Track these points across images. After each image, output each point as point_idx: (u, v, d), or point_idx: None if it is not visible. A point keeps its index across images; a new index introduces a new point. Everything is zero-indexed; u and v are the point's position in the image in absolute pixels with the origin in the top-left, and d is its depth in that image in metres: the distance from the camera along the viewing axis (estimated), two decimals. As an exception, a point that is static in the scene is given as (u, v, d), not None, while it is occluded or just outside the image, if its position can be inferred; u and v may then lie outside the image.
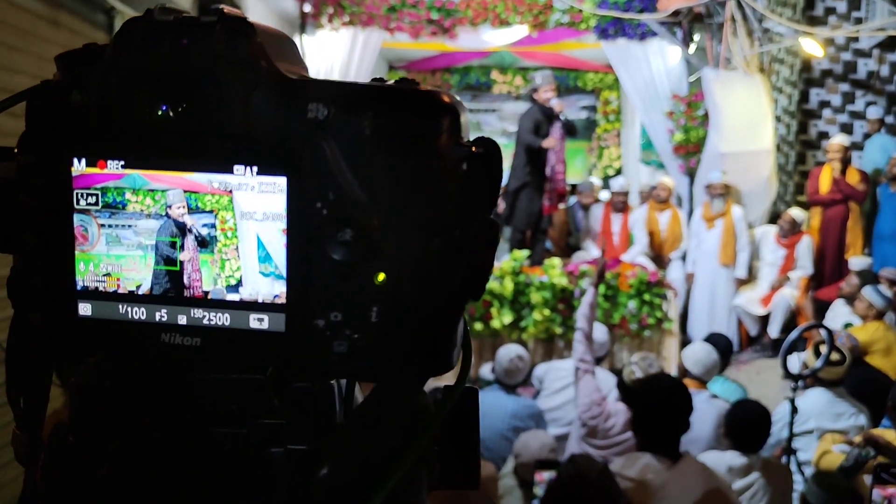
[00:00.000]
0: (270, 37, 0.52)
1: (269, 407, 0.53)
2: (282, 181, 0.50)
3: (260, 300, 0.52)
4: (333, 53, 8.08)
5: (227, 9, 0.51)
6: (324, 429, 0.54)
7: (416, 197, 0.50)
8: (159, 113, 0.50)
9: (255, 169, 0.50)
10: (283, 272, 0.51)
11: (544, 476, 3.16)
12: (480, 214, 0.51)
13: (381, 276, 0.51)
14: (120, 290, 0.53)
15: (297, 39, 8.03)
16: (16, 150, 0.53)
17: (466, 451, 0.58)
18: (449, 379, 0.57)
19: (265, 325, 0.52)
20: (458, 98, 0.53)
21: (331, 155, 0.50)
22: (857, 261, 6.87)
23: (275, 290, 0.51)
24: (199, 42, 0.50)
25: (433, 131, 0.50)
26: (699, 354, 4.62)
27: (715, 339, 5.16)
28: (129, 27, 0.51)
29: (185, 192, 0.51)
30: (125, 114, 0.51)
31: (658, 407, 3.12)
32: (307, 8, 7.95)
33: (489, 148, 0.52)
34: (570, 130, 7.13)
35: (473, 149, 0.51)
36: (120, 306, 0.53)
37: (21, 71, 4.06)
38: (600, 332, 5.15)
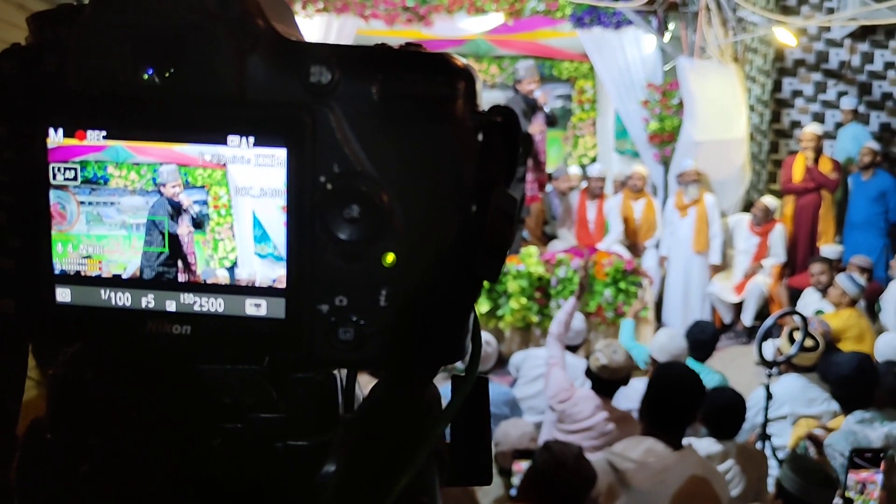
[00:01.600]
0: None
1: (267, 400, 0.49)
2: (281, 153, 0.46)
3: (257, 284, 0.47)
4: (307, 40, 7.98)
5: None
6: (327, 423, 0.50)
7: (430, 169, 0.46)
8: (144, 77, 0.45)
9: (251, 140, 0.46)
10: (283, 253, 0.47)
11: (522, 466, 3.16)
12: (498, 188, 0.47)
13: (391, 257, 0.46)
14: (102, 274, 0.48)
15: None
16: None
17: (479, 445, 0.55)
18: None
19: (263, 312, 0.47)
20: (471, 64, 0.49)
21: (335, 123, 0.45)
22: (828, 249, 6.95)
23: (273, 272, 0.47)
24: None
25: (448, 96, 0.46)
26: (662, 341, 4.68)
27: (702, 326, 5.18)
28: None
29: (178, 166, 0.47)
30: (106, 79, 0.46)
31: (670, 395, 3.14)
32: (280, -7, 7.83)
33: (508, 117, 0.48)
34: (552, 121, 7.12)
35: (492, 118, 0.47)
36: (102, 292, 0.48)
37: (-15, 55, 3.95)
38: (577, 320, 5.18)
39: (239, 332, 0.47)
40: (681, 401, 3.15)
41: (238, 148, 0.46)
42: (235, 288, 0.47)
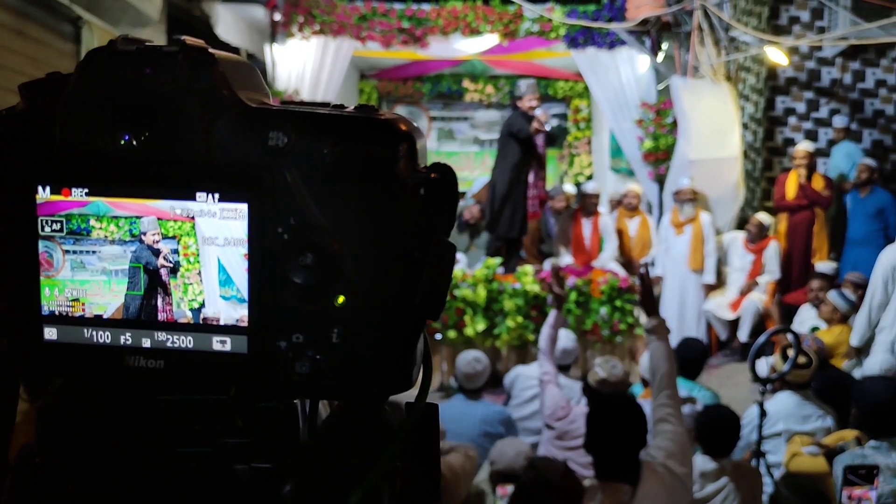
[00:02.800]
0: (232, 66, 0.54)
1: (233, 427, 0.54)
2: (243, 207, 0.52)
3: (222, 323, 0.53)
4: (304, 62, 8.08)
5: (189, 39, 0.52)
6: (288, 447, 0.56)
7: (376, 221, 0.52)
8: (122, 142, 0.51)
9: (216, 196, 0.52)
10: (245, 296, 0.52)
11: (507, 490, 3.14)
12: (438, 237, 0.53)
13: (342, 299, 0.52)
14: (85, 315, 0.54)
15: (266, 48, 8.03)
16: None
17: (428, 467, 0.60)
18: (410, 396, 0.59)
19: (228, 347, 0.53)
20: (415, 125, 0.55)
21: (292, 181, 0.51)
22: (823, 265, 6.98)
23: (236, 313, 0.53)
24: (162, 71, 0.51)
25: (392, 158, 0.52)
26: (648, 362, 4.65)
27: (690, 344, 5.19)
28: (92, 57, 0.52)
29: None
30: (89, 143, 0.52)
31: (611, 431, 2.85)
32: (277, 17, 7.94)
33: (446, 174, 0.54)
34: (550, 140, 7.20)
35: (431, 174, 0.53)
36: (85, 330, 0.54)
37: (-14, 81, 4.01)
38: (567, 339, 5.20)
39: (207, 365, 0.53)
40: (625, 435, 2.83)
41: (205, 203, 0.52)
42: (203, 326, 0.53)
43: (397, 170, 0.52)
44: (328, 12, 8.02)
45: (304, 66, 8.08)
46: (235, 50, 7.99)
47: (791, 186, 7.52)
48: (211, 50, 0.53)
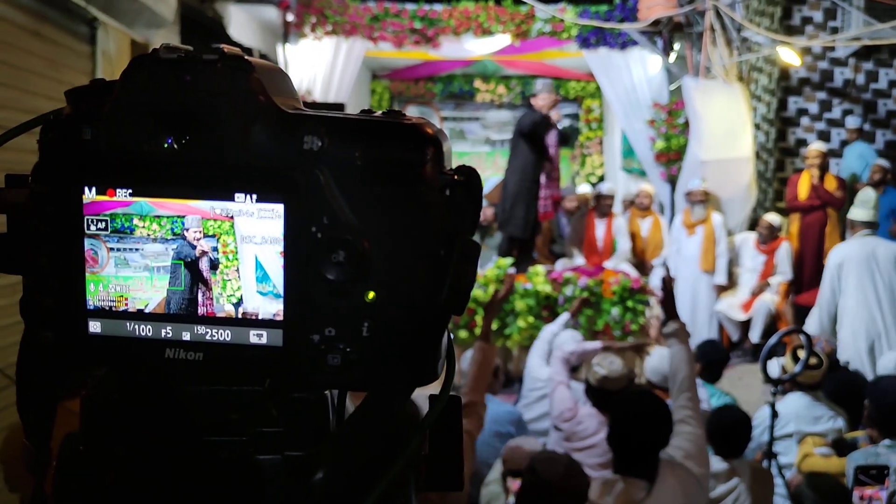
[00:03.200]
0: (267, 72, 0.57)
1: (268, 416, 0.57)
2: (279, 207, 0.54)
3: (259, 317, 0.56)
4: (316, 63, 8.12)
5: (227, 48, 0.55)
6: (319, 436, 0.58)
7: (404, 221, 0.55)
8: (164, 146, 0.54)
9: (254, 196, 0.54)
10: (281, 291, 0.55)
11: (517, 484, 3.18)
12: (462, 236, 0.56)
13: (372, 294, 0.55)
14: (128, 309, 0.57)
15: (279, 48, 8.08)
16: (30, 180, 0.57)
17: (451, 456, 0.63)
18: (435, 388, 0.61)
19: (264, 341, 0.56)
20: (440, 128, 0.58)
21: (325, 183, 0.54)
22: None
23: (272, 308, 0.55)
24: (201, 78, 0.54)
25: (419, 161, 0.55)
26: (654, 363, 4.65)
27: (711, 347, 5.15)
28: (136, 64, 0.55)
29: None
30: (132, 146, 0.55)
31: (634, 426, 2.89)
32: (290, 17, 7.99)
33: (470, 176, 0.56)
34: (564, 139, 7.22)
35: (455, 177, 0.56)
36: (127, 324, 0.57)
37: (2, 83, 4.05)
38: (574, 340, 5.22)
39: (243, 358, 0.56)
40: (647, 430, 2.88)
41: (243, 203, 0.55)
42: (240, 321, 0.56)
43: (424, 172, 0.55)
44: (340, 13, 8.06)
45: (317, 67, 8.12)
46: (248, 51, 8.05)
47: (803, 187, 7.51)
48: (248, 58, 0.55)
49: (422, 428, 0.58)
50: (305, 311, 0.55)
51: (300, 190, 0.54)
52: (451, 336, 0.62)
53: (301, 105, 0.60)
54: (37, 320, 0.58)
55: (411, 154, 0.55)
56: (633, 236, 7.80)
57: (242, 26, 7.58)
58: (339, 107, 7.63)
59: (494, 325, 6.65)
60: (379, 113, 0.58)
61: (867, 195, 5.76)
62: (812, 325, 5.65)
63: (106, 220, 0.56)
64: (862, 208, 5.74)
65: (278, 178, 0.54)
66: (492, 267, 6.88)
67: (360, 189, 0.54)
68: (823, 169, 7.50)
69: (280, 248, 0.55)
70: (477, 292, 6.63)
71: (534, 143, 6.88)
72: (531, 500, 2.66)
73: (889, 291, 5.43)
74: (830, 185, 7.48)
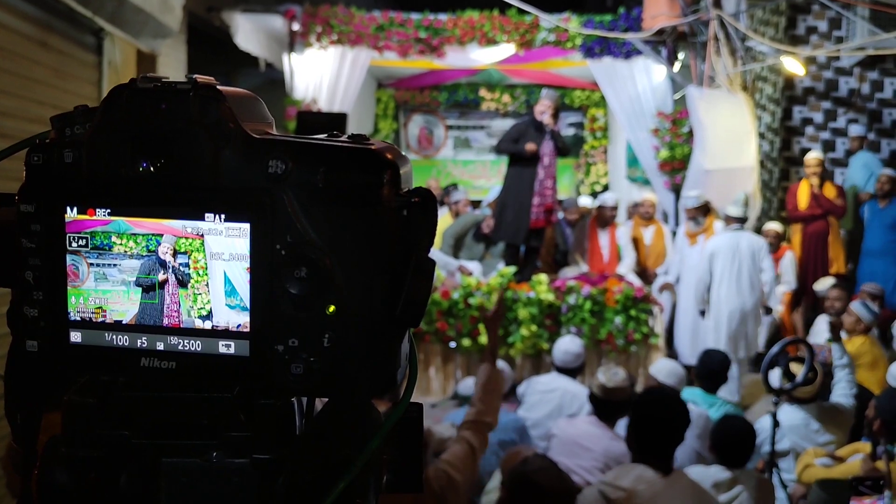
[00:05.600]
0: (238, 99, 0.61)
1: (236, 422, 0.61)
2: (246, 227, 0.58)
3: (227, 329, 0.60)
4: (322, 72, 8.19)
5: (200, 78, 0.59)
6: (285, 440, 0.62)
7: (363, 239, 0.59)
8: (140, 169, 0.59)
9: (223, 216, 0.58)
10: (248, 304, 0.59)
11: None
12: (418, 254, 0.60)
13: (332, 308, 0.59)
14: (107, 320, 0.61)
15: (285, 57, 8.14)
16: (16, 198, 0.61)
17: (411, 459, 0.67)
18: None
19: (232, 351, 0.60)
20: (401, 153, 0.62)
21: (289, 204, 0.58)
22: (819, 284, 7.00)
23: (240, 320, 0.60)
24: (175, 107, 0.58)
25: (376, 183, 0.59)
26: (669, 367, 4.80)
27: (711, 356, 5.16)
28: (115, 93, 0.59)
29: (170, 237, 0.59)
30: (111, 169, 0.59)
31: (654, 419, 3.19)
32: (296, 26, 8.07)
33: (426, 197, 0.60)
34: (564, 150, 7.22)
35: (413, 199, 0.60)
36: (106, 334, 0.61)
37: (10, 93, 4.11)
38: (575, 343, 5.26)
39: (213, 367, 0.60)
40: (665, 424, 3.19)
41: (213, 223, 0.59)
42: (210, 332, 0.60)
43: (381, 194, 0.58)
44: (346, 22, 8.14)
45: (322, 76, 8.20)
46: (254, 59, 8.13)
47: (803, 196, 7.52)
48: (219, 87, 0.60)
49: (381, 432, 0.62)
50: (270, 322, 0.59)
51: (265, 210, 0.58)
52: (414, 346, 0.66)
53: (273, 128, 0.64)
54: (23, 330, 0.62)
55: (370, 177, 0.59)
56: (637, 245, 7.81)
57: (249, 35, 7.66)
58: (342, 116, 7.69)
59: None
60: (345, 137, 0.62)
61: (738, 196, 6.74)
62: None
63: (86, 238, 0.60)
64: (735, 206, 6.68)
65: (245, 199, 0.58)
66: (495, 276, 6.91)
67: (321, 209, 0.58)
68: (822, 177, 7.51)
69: (247, 264, 0.59)
70: (480, 300, 6.66)
71: (519, 150, 6.90)
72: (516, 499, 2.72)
73: (748, 276, 6.49)
74: (830, 193, 7.49)
